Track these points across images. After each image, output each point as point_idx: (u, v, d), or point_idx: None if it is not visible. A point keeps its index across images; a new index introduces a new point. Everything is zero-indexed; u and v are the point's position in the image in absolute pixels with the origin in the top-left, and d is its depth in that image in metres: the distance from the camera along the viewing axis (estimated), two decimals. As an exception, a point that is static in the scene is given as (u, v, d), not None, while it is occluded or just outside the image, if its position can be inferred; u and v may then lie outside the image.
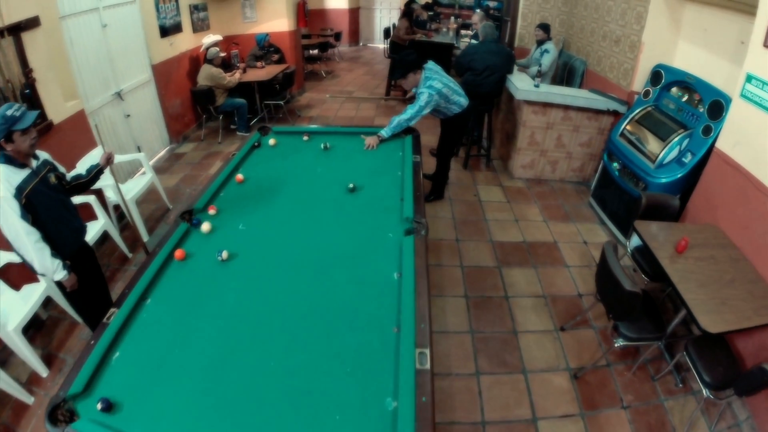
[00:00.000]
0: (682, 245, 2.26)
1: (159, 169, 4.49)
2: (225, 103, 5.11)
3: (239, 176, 2.63)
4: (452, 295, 2.91)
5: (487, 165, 4.59)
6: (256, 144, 3.07)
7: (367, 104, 6.28)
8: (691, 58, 3.35)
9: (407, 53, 3.29)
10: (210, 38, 5.21)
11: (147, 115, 4.60)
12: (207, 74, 4.90)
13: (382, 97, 6.44)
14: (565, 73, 4.87)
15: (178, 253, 1.93)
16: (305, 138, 3.14)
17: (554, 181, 4.38)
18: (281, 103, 5.43)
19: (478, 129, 4.58)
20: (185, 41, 5.14)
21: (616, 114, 3.88)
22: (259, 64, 5.73)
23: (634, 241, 2.73)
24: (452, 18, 8.38)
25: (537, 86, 3.85)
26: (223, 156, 4.76)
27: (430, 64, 3.30)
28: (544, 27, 4.52)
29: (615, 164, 3.58)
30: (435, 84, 3.16)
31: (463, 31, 8.19)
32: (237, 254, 1.95)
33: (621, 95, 3.89)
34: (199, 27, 5.42)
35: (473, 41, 4.91)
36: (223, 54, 5.02)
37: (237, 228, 2.18)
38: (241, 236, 2.12)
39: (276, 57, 5.98)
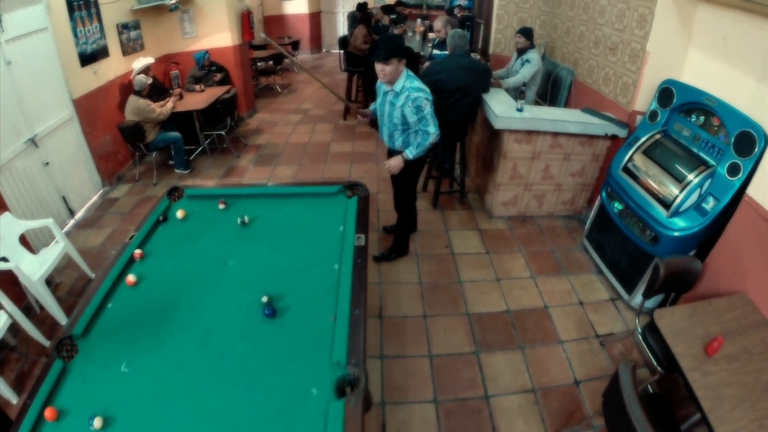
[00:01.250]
0: (714, 347, 1.73)
1: (86, 222, 3.77)
2: (157, 139, 4.28)
3: (130, 278, 1.88)
4: (417, 401, 2.21)
5: (461, 201, 3.90)
6: (160, 218, 2.30)
7: (323, 125, 5.51)
8: (706, 73, 2.72)
9: (401, 37, 2.63)
10: (140, 62, 4.40)
11: (71, 158, 3.82)
12: (133, 107, 4.08)
13: (357, 110, 5.68)
14: (549, 85, 4.21)
15: (49, 414, 1.34)
16: (221, 206, 2.38)
17: (541, 217, 3.73)
18: (222, 133, 4.63)
19: (449, 160, 3.87)
20: (113, 67, 4.32)
21: (614, 137, 3.25)
22: (198, 87, 4.91)
23: (639, 299, 2.32)
24: (419, 20, 7.62)
25: (520, 110, 3.16)
26: (153, 205, 3.95)
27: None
28: (526, 33, 3.82)
29: (616, 204, 2.95)
30: (423, 86, 2.51)
31: (431, 35, 7.51)
32: (114, 419, 1.31)
33: (620, 115, 3.25)
34: (131, 48, 4.58)
35: (436, 52, 4.11)
36: (149, 82, 4.18)
37: (119, 369, 1.50)
38: (123, 384, 1.45)
39: (219, 77, 5.17)
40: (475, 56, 4.23)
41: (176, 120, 4.48)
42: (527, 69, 3.73)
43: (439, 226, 3.58)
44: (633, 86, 3.11)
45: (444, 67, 3.12)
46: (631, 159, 2.89)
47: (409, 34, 6.76)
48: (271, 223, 2.25)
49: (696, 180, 2.46)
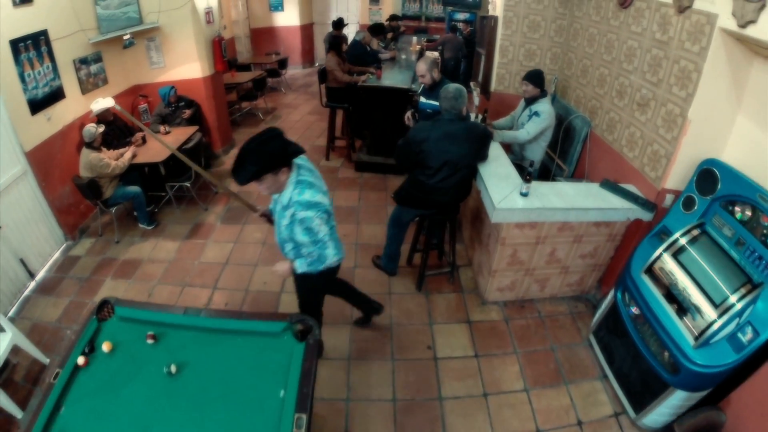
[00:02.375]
0: None
1: (47, 285, 3.37)
2: (115, 195, 3.76)
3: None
4: None
5: (450, 280, 3.31)
6: (86, 350, 1.80)
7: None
8: (757, 152, 2.12)
9: (268, 134, 1.80)
10: (98, 104, 3.88)
11: (27, 217, 3.38)
12: (85, 162, 3.56)
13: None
14: (561, 133, 3.60)
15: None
16: (150, 341, 1.85)
17: (543, 300, 3.15)
18: (186, 184, 4.09)
19: (437, 236, 3.29)
20: (71, 109, 3.79)
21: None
22: (162, 129, 4.36)
23: (647, 420, 2.10)
24: (414, 38, 6.94)
25: (525, 194, 2.56)
26: (120, 267, 3.50)
27: (302, 160, 1.94)
28: (535, 79, 3.14)
29: (632, 309, 2.37)
30: (317, 198, 1.83)
31: (429, 54, 6.86)
32: None
33: (646, 191, 2.66)
34: (92, 85, 4.05)
35: (422, 100, 3.29)
36: (101, 130, 3.64)
37: None
38: None
39: (188, 113, 4.62)
40: (473, 117, 3.48)
41: (139, 168, 3.97)
42: (534, 125, 3.12)
43: (422, 317, 3.01)
44: (666, 159, 2.51)
45: (428, 135, 2.49)
46: (657, 260, 2.29)
47: (404, 56, 6.07)
48: (202, 375, 1.75)
49: (738, 305, 1.90)
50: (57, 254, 3.66)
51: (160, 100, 4.56)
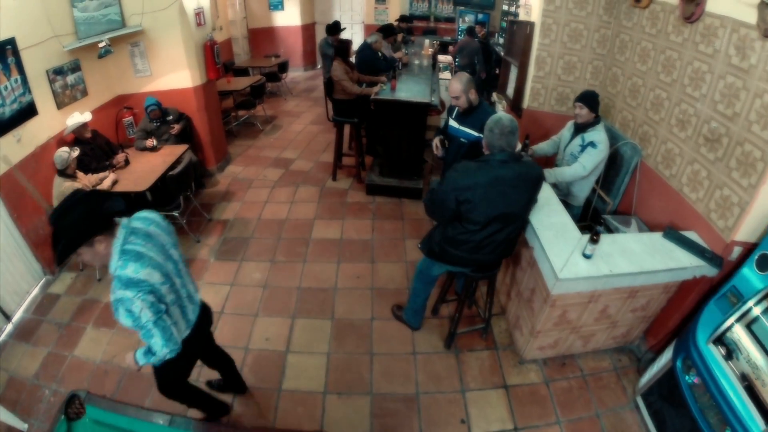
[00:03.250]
0: None
1: (24, 329, 2.94)
2: None
3: None
4: None
5: (483, 335, 2.83)
6: None
7: (307, 189, 4.41)
8: None
9: (69, 201, 1.46)
10: (73, 119, 3.38)
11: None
12: (58, 194, 3.08)
13: (357, 167, 4.59)
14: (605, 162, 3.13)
15: None
16: None
17: (584, 355, 2.72)
18: (175, 214, 3.59)
19: (471, 291, 2.79)
20: (45, 126, 3.29)
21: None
22: (148, 142, 3.87)
23: None
24: (426, 41, 6.43)
25: (588, 256, 2.10)
26: (102, 311, 3.05)
27: (140, 220, 1.60)
28: (591, 101, 2.66)
29: (692, 378, 1.97)
30: (142, 275, 1.43)
31: (442, 58, 6.37)
32: None
33: (712, 242, 2.23)
34: (69, 97, 3.54)
35: (453, 125, 2.68)
36: (74, 155, 3.14)
37: None
38: None
39: (177, 128, 4.11)
40: (525, 154, 2.88)
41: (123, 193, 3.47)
42: (590, 158, 2.65)
43: (453, 383, 2.55)
44: (739, 208, 2.07)
45: (475, 181, 1.94)
46: (728, 330, 1.87)
47: (416, 62, 5.58)
48: None
49: None
50: (35, 291, 3.21)
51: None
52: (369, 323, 2.91)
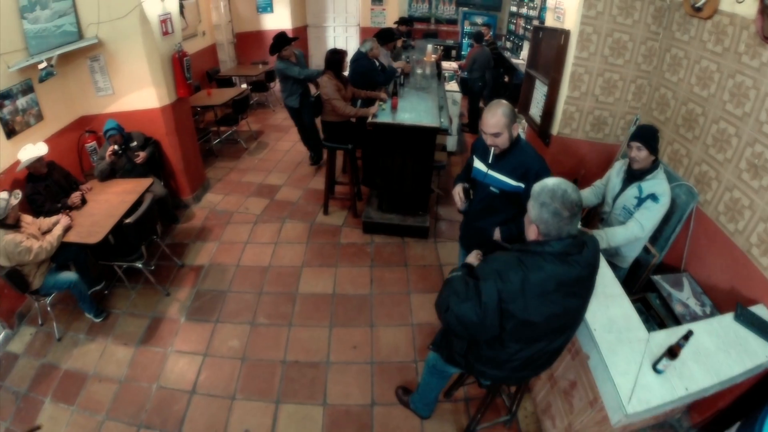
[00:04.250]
0: None
1: None
2: (46, 284, 2.73)
3: None
4: None
5: (508, 425, 2.26)
6: None
7: (294, 226, 3.76)
8: None
9: None
10: (26, 152, 2.83)
11: None
12: (0, 248, 2.50)
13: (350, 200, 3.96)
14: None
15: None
16: None
17: None
18: (137, 266, 3.00)
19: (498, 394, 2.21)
20: None
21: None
22: (77, 195, 3.07)
23: None
24: (429, 47, 5.81)
25: (660, 372, 1.55)
26: (62, 381, 2.58)
27: None
28: (653, 141, 2.06)
29: None
30: None
31: (446, 65, 5.76)
32: None
33: None
34: (21, 124, 2.98)
35: (483, 169, 1.98)
36: (15, 202, 2.54)
37: None
38: None
39: (143, 156, 3.50)
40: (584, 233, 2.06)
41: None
42: (650, 214, 2.07)
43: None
44: None
45: (521, 287, 1.29)
46: None
47: (418, 71, 4.97)
48: None
49: None
50: (-5, 346, 2.70)
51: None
52: (369, 410, 2.34)
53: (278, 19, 7.49)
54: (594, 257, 1.37)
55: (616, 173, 2.30)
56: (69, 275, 2.82)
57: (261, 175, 4.60)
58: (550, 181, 1.31)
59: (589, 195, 2.42)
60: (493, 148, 1.85)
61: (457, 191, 2.08)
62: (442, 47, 6.18)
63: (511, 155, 1.87)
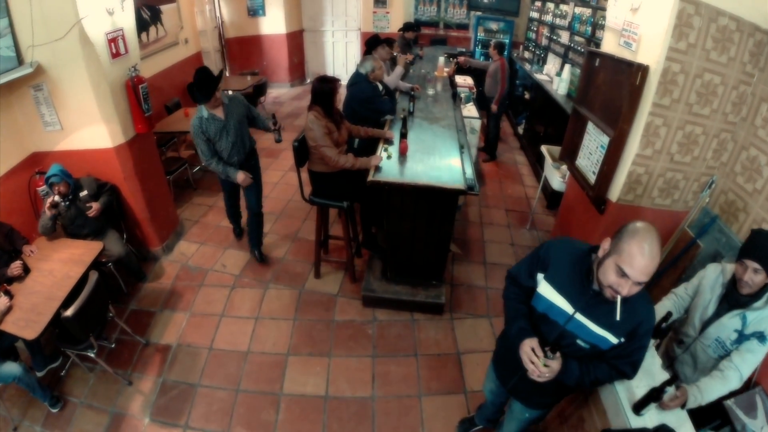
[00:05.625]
0: None
1: None
2: None
3: None
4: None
5: None
6: None
7: (279, 293, 3.07)
8: None
9: None
10: None
11: None
12: None
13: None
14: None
15: None
16: None
17: None
18: (90, 354, 2.35)
19: None
20: None
21: None
22: (26, 252, 2.58)
23: None
24: (441, 59, 5.09)
25: None
26: None
27: None
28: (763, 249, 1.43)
29: None
30: None
31: (460, 81, 5.05)
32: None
33: None
34: None
35: (566, 313, 1.28)
36: None
37: None
38: None
39: (96, 208, 2.85)
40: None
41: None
42: (754, 358, 1.48)
43: None
44: None
45: None
46: None
47: (430, 92, 4.26)
48: None
49: None
50: None
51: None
52: None
53: (271, 24, 6.81)
54: None
55: (710, 287, 1.64)
56: (11, 368, 2.20)
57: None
58: None
59: (669, 308, 1.75)
60: (616, 297, 1.15)
61: (527, 351, 1.29)
62: (455, 59, 5.43)
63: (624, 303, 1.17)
